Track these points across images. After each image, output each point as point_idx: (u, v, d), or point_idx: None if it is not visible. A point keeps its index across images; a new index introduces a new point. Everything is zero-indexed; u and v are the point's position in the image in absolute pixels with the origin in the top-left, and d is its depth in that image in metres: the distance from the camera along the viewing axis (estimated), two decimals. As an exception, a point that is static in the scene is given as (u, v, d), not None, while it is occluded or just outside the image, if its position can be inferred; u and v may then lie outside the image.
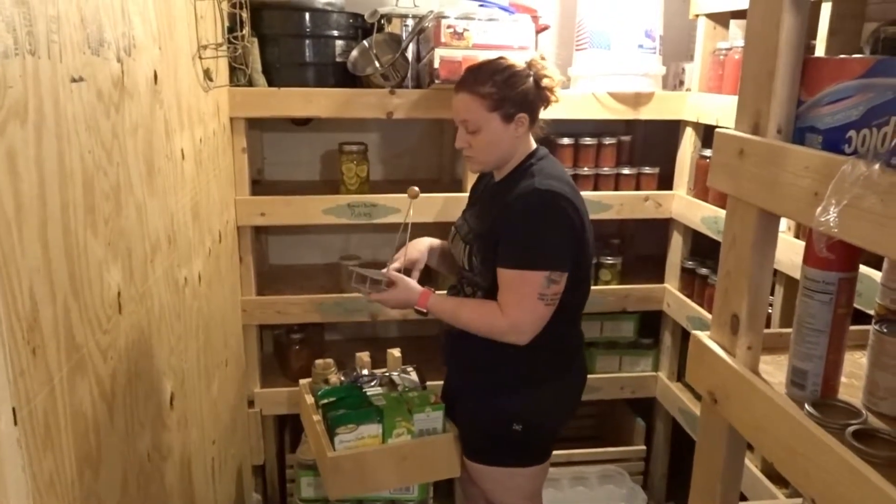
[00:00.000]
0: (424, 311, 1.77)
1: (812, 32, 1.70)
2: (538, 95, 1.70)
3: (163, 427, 1.38)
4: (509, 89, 1.65)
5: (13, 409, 0.76)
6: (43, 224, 0.86)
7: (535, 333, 1.66)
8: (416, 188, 1.88)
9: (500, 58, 1.72)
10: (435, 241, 1.98)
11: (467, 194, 2.00)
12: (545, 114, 1.78)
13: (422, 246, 1.94)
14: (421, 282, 1.84)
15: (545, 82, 1.70)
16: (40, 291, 0.84)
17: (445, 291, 1.93)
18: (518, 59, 1.72)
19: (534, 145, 1.76)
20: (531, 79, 1.69)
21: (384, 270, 1.80)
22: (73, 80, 0.96)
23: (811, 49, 1.71)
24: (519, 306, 1.63)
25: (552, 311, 1.66)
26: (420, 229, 2.05)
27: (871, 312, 1.13)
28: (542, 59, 1.74)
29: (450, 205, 2.30)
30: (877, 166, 0.79)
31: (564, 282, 1.65)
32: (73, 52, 0.96)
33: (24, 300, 0.80)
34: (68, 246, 0.93)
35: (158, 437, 1.35)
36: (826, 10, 1.68)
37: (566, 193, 1.64)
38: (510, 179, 1.73)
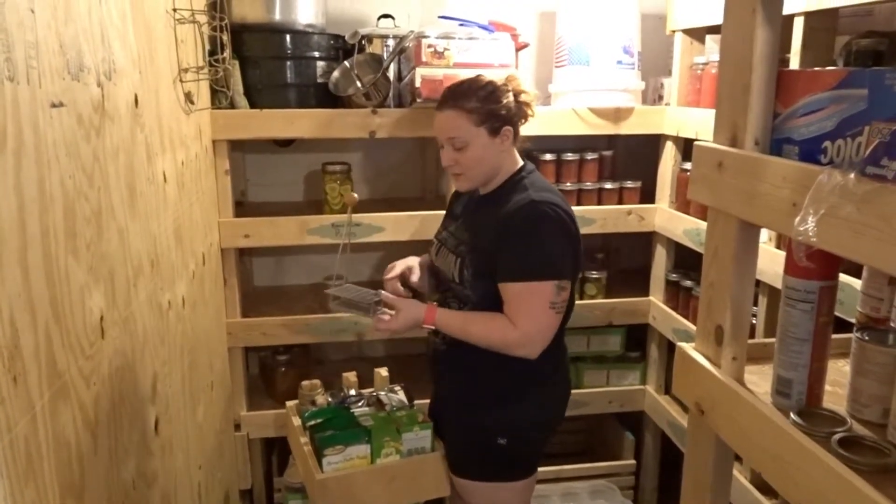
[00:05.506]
0: (432, 327, 1.74)
1: (786, 46, 1.72)
2: (518, 110, 1.73)
3: (148, 453, 1.37)
4: (493, 103, 1.68)
5: (-6, 439, 0.75)
6: (23, 250, 0.85)
7: (546, 345, 1.66)
8: (355, 195, 1.94)
9: (479, 76, 1.75)
10: (421, 259, 1.98)
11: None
12: (527, 129, 1.79)
13: (412, 260, 1.94)
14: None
15: (523, 97, 1.74)
16: (21, 318, 0.83)
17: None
18: (495, 76, 1.75)
19: (521, 161, 1.78)
20: (511, 94, 1.72)
21: (378, 291, 1.78)
22: (53, 106, 0.95)
23: (785, 63, 1.74)
24: (531, 318, 1.63)
25: (560, 319, 1.67)
26: (400, 247, 2.05)
27: (853, 321, 1.15)
28: (515, 77, 1.77)
29: (432, 222, 2.30)
30: (852, 175, 0.80)
31: (570, 288, 1.66)
32: (53, 77, 0.96)
33: (3, 327, 0.79)
34: (49, 271, 0.92)
35: (144, 463, 1.33)
36: (799, 25, 1.71)
37: (562, 204, 1.68)
38: (500, 193, 1.74)
